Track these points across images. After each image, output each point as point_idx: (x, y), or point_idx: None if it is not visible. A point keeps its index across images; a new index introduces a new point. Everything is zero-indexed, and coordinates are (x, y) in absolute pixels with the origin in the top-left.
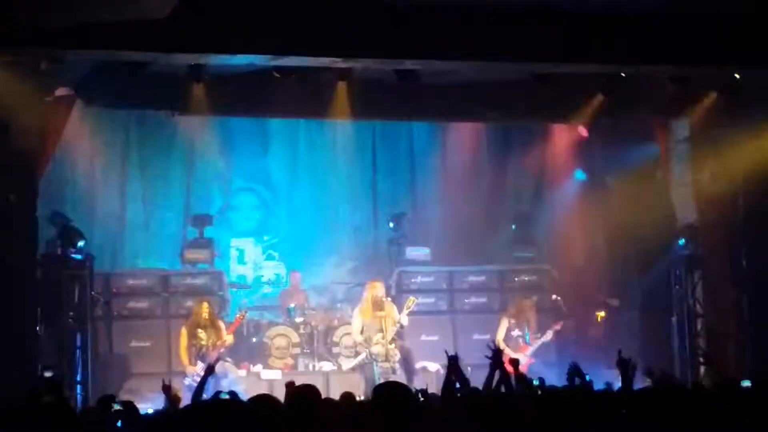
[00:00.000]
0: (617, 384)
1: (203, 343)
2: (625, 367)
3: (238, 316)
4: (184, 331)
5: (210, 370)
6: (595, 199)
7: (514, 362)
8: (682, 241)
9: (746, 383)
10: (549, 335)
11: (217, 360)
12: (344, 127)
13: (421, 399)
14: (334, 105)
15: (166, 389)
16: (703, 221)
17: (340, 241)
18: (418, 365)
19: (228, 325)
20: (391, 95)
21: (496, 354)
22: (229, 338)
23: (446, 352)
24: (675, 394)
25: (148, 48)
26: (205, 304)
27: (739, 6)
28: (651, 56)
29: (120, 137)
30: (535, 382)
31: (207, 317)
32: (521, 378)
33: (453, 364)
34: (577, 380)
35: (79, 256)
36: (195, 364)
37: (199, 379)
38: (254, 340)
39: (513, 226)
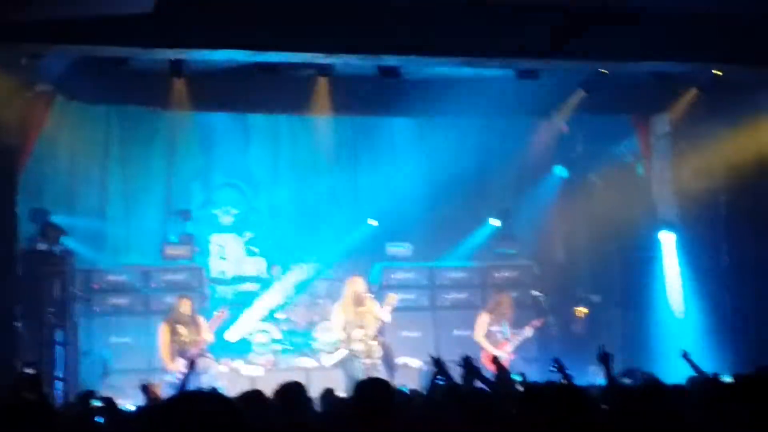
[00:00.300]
0: (598, 380)
1: (184, 339)
2: (608, 362)
3: (218, 313)
4: (164, 328)
5: (192, 365)
6: (577, 195)
7: (495, 359)
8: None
9: (727, 378)
10: (529, 331)
11: (199, 355)
12: (325, 122)
13: (407, 394)
14: (315, 101)
15: (144, 389)
16: (684, 217)
17: (321, 237)
18: (399, 361)
19: (208, 321)
20: (372, 91)
21: (468, 362)
22: (209, 337)
23: (431, 356)
24: (657, 390)
25: (128, 43)
26: (186, 301)
27: (719, 3)
28: (632, 52)
29: (101, 133)
30: (517, 378)
31: (188, 313)
32: (502, 374)
33: (439, 366)
34: (559, 376)
35: (59, 252)
36: (175, 361)
37: (180, 377)
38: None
39: (495, 222)
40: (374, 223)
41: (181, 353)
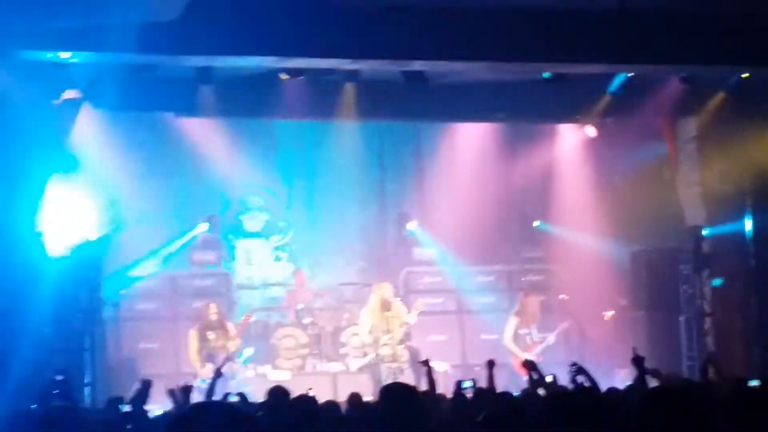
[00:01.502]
0: (626, 383)
1: (213, 344)
2: (641, 364)
3: (244, 318)
4: (193, 334)
5: (218, 373)
6: (604, 198)
7: (530, 364)
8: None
9: (754, 382)
10: (557, 334)
11: (226, 361)
12: (352, 128)
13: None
14: (341, 106)
15: (172, 394)
16: (711, 220)
17: (347, 242)
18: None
19: (235, 326)
20: (398, 96)
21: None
22: (235, 343)
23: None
24: (684, 394)
25: (156, 51)
26: (213, 306)
27: (746, 6)
28: (658, 56)
29: (128, 139)
30: (549, 379)
31: (216, 319)
32: (535, 379)
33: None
34: (583, 379)
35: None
36: (205, 367)
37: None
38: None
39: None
40: (413, 226)
41: (210, 358)
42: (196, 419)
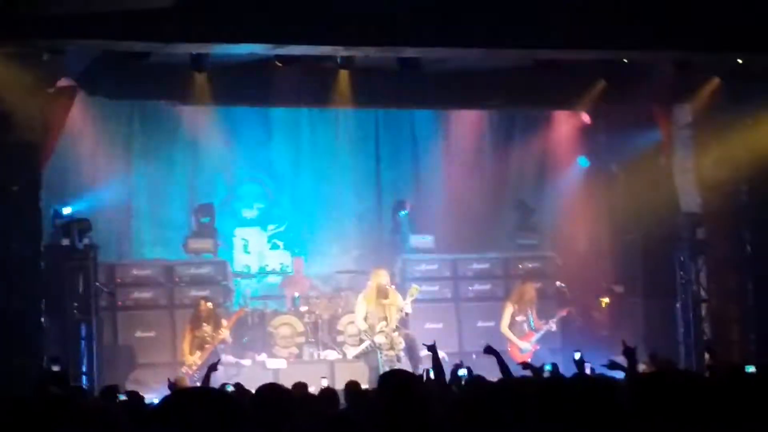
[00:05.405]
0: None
1: (206, 336)
2: (632, 355)
3: (237, 312)
4: (187, 327)
5: (214, 367)
6: (599, 185)
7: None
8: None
9: (750, 368)
10: (555, 322)
11: (218, 362)
12: (347, 115)
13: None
14: (336, 93)
15: (171, 385)
16: (707, 207)
17: (344, 230)
18: (422, 353)
19: (228, 318)
20: (393, 83)
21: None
22: (225, 333)
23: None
24: (679, 381)
25: (149, 38)
26: (203, 302)
27: None
28: (653, 42)
29: (123, 128)
30: (548, 367)
31: (207, 314)
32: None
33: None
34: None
35: (82, 247)
36: (194, 354)
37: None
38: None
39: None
40: (407, 208)
41: (201, 347)
42: (178, 405)
